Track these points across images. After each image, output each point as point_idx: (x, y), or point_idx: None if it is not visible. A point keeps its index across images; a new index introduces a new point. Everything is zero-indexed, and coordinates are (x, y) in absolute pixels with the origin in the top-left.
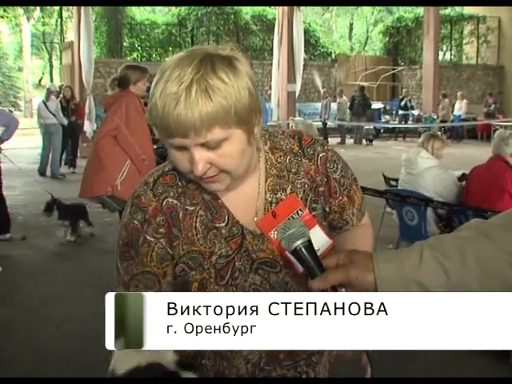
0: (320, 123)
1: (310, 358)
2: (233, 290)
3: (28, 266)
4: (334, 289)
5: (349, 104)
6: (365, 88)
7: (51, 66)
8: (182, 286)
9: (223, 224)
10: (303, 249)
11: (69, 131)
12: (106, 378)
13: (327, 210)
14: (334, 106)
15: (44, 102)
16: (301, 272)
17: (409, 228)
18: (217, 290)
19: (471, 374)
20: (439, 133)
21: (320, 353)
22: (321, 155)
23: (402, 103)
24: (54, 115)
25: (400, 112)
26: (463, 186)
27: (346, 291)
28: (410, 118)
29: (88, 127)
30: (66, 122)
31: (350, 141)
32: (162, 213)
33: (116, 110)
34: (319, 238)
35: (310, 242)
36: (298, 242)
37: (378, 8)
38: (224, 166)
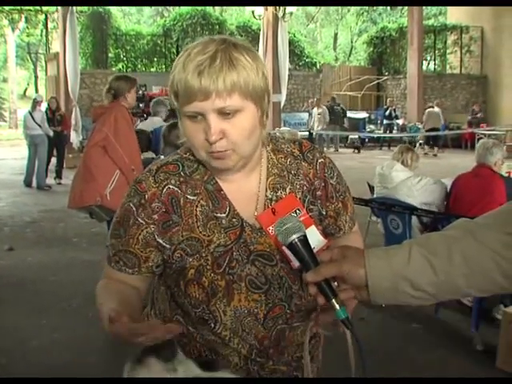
0: (306, 133)
1: (300, 360)
2: (229, 279)
3: (16, 276)
4: (327, 282)
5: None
6: (335, 98)
7: (36, 77)
8: (179, 272)
9: (224, 215)
10: (298, 243)
11: (55, 142)
12: (106, 378)
13: (324, 213)
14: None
15: (30, 113)
16: (296, 267)
17: (394, 236)
18: (213, 278)
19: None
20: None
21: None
22: (319, 161)
23: (387, 113)
24: (39, 126)
25: (384, 121)
26: (446, 188)
27: (338, 286)
28: (395, 128)
29: (74, 138)
30: (51, 132)
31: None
32: (159, 199)
33: (105, 121)
34: (315, 237)
35: (305, 236)
36: (294, 236)
37: (362, 18)
38: (235, 138)
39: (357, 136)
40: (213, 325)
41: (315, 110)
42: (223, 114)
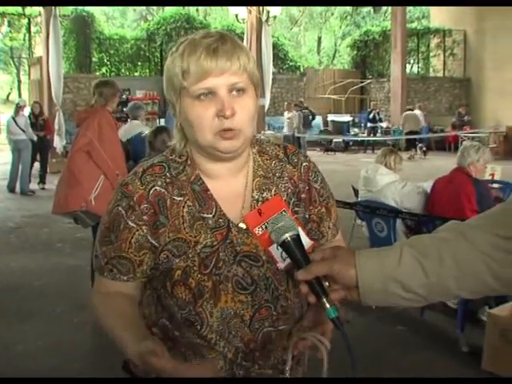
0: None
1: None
2: (216, 280)
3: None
4: (318, 281)
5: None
6: (302, 102)
7: (19, 82)
8: (166, 273)
9: (210, 215)
10: (291, 241)
11: (38, 147)
12: (106, 378)
13: (307, 217)
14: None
15: (13, 118)
16: (282, 268)
17: (378, 239)
18: (200, 279)
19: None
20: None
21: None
22: (304, 164)
23: (371, 116)
24: (23, 131)
25: (368, 125)
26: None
27: (329, 286)
28: (379, 131)
29: (58, 143)
30: (35, 137)
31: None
32: (147, 201)
33: (89, 126)
34: (302, 238)
35: (298, 235)
36: (287, 235)
37: (345, 22)
38: (243, 117)
39: (341, 140)
40: (199, 327)
41: (285, 114)
42: (234, 90)
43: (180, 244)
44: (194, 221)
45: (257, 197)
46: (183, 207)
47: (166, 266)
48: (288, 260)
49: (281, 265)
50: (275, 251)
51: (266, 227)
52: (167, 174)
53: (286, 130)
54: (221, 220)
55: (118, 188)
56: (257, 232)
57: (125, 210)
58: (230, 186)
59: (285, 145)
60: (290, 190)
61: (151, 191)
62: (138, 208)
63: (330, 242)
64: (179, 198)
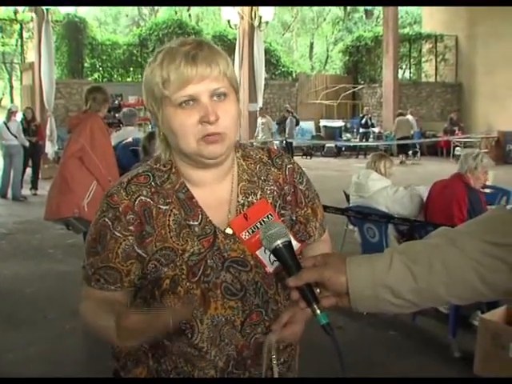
0: (277, 142)
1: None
2: (205, 287)
3: None
4: (309, 288)
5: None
6: (287, 107)
7: (11, 87)
8: (154, 283)
9: (197, 223)
10: (283, 248)
11: (30, 152)
12: (105, 378)
13: (294, 219)
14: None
15: (5, 123)
16: (270, 272)
17: (370, 245)
18: (188, 287)
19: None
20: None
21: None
22: (289, 166)
23: (363, 121)
24: (15, 136)
25: (361, 130)
26: (422, 201)
27: (320, 292)
28: (371, 136)
29: (49, 148)
30: (27, 143)
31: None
32: (133, 211)
33: (81, 132)
34: None
35: (289, 242)
36: (279, 242)
37: (337, 27)
38: (227, 122)
39: (333, 145)
40: (190, 335)
41: (259, 120)
42: (215, 96)
43: (167, 253)
44: (181, 229)
45: (242, 201)
46: (169, 216)
47: (154, 276)
48: (276, 263)
49: (269, 268)
50: (263, 255)
51: (252, 231)
52: (152, 184)
53: (260, 136)
54: (207, 227)
55: (104, 199)
56: (243, 237)
57: (111, 220)
58: (215, 192)
59: (268, 148)
60: (275, 193)
61: (137, 201)
62: (124, 218)
63: (317, 242)
64: (165, 207)
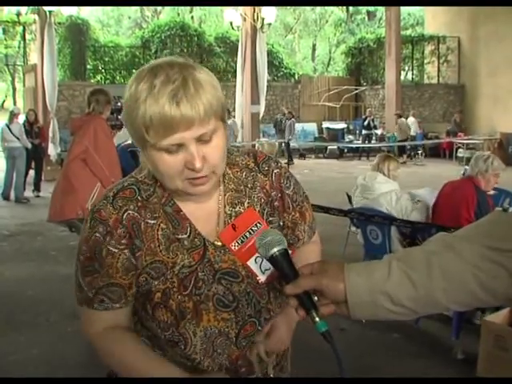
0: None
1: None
2: (197, 300)
3: None
4: (307, 295)
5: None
6: (283, 110)
7: (14, 89)
8: (145, 296)
9: (185, 236)
10: (279, 256)
11: (33, 155)
12: (105, 378)
13: (281, 224)
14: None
15: (7, 126)
16: (262, 281)
17: (373, 247)
18: (180, 300)
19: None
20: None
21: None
22: (275, 171)
23: (365, 123)
24: (17, 138)
25: (363, 131)
26: (427, 208)
27: (319, 300)
28: (374, 138)
29: (52, 150)
30: (29, 145)
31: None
32: (122, 224)
33: (84, 134)
34: None
35: (286, 250)
36: (275, 250)
37: (340, 29)
38: (216, 160)
39: (336, 147)
40: (183, 347)
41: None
42: (202, 140)
43: (158, 266)
44: (170, 243)
45: (229, 212)
46: (157, 230)
47: (145, 289)
48: (268, 272)
49: (261, 278)
50: (254, 265)
51: (242, 241)
52: (138, 198)
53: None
54: (196, 239)
55: (90, 215)
56: (233, 247)
57: (103, 235)
58: (202, 204)
59: (254, 152)
60: (262, 200)
61: (125, 215)
62: (116, 232)
63: (307, 244)
64: (152, 221)
